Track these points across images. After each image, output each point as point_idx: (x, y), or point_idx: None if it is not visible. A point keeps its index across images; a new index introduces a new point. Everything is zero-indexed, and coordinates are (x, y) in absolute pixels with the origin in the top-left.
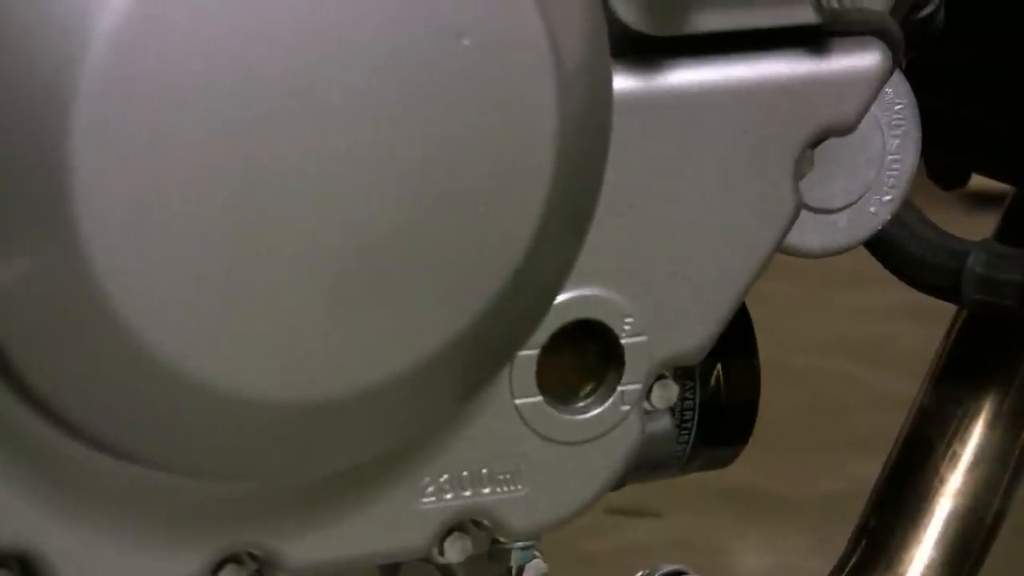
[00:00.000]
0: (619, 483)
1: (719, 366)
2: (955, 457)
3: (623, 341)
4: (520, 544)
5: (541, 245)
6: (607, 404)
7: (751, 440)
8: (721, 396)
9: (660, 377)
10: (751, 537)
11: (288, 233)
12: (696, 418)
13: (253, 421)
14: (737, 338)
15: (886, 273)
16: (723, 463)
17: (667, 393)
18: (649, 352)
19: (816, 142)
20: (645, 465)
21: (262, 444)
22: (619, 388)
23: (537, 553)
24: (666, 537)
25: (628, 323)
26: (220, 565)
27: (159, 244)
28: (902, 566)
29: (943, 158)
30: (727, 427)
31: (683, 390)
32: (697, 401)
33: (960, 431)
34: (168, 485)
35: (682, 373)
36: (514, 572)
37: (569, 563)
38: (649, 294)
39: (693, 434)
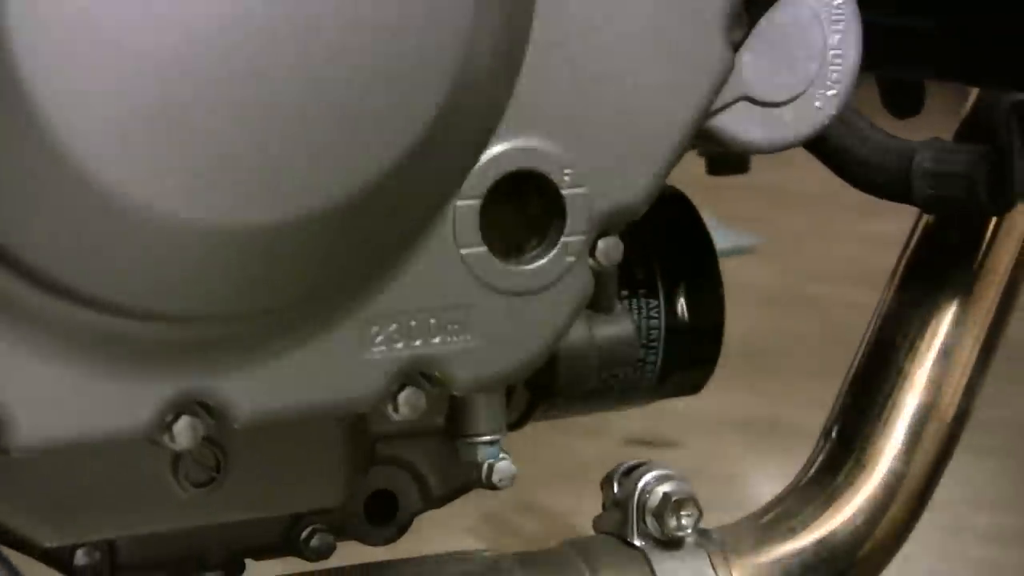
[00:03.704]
0: (591, 409)
1: (683, 286)
2: (916, 352)
3: (563, 192)
4: (486, 438)
5: (467, 77)
6: (551, 255)
7: (766, 370)
8: (686, 315)
9: (604, 234)
10: (766, 466)
11: (223, 61)
12: (662, 337)
13: (190, 247)
14: (699, 259)
15: (897, 203)
16: (694, 386)
17: (611, 250)
18: (590, 203)
19: None
20: (616, 387)
21: (200, 274)
22: (562, 239)
23: (506, 454)
24: (681, 467)
25: (567, 174)
26: (175, 419)
27: (96, 71)
28: (868, 459)
29: (895, 76)
30: (693, 346)
31: (648, 309)
32: (663, 320)
33: (922, 329)
34: (117, 331)
35: (646, 292)
36: (484, 473)
37: (585, 493)
38: (587, 146)
39: (661, 353)
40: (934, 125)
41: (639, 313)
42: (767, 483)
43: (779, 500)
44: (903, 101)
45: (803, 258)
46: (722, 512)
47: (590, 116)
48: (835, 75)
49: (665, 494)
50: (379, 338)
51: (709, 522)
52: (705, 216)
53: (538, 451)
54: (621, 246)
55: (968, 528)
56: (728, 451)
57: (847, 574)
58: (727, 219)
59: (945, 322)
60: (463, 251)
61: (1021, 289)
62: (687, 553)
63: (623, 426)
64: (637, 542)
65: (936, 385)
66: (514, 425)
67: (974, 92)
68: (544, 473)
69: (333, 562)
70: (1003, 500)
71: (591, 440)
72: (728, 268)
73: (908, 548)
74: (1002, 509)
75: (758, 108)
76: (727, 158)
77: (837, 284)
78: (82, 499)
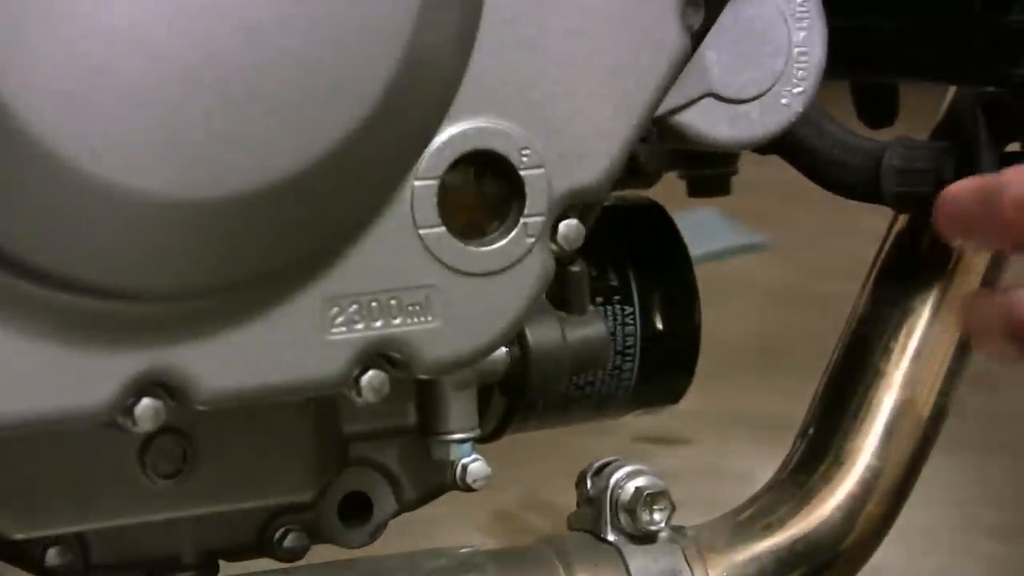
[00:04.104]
0: (569, 420)
1: (658, 293)
2: (891, 351)
3: (522, 172)
4: (458, 436)
5: (417, 52)
6: (512, 235)
7: (777, 367)
8: (661, 321)
9: (565, 217)
10: (777, 463)
11: (174, 34)
12: (638, 344)
13: (143, 221)
14: (675, 266)
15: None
16: (673, 396)
17: (572, 233)
18: (549, 183)
19: None
20: (592, 396)
21: (154, 248)
22: (522, 220)
23: (479, 456)
24: (694, 464)
25: (525, 154)
26: (136, 401)
27: (48, 45)
28: (846, 456)
29: (865, 80)
30: (670, 353)
31: (623, 316)
32: (638, 327)
33: (896, 329)
34: (74, 309)
35: (621, 300)
36: (457, 474)
37: None
38: (545, 126)
39: (637, 361)
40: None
41: (614, 320)
42: None
43: (756, 498)
44: (877, 112)
45: (814, 255)
46: None
47: (546, 96)
48: (801, 72)
49: (637, 488)
50: (339, 319)
51: None
52: (716, 215)
53: (548, 449)
54: (583, 230)
55: (978, 524)
56: (739, 448)
57: (825, 571)
58: (739, 217)
59: (920, 322)
60: (422, 231)
61: (998, 288)
62: (660, 548)
63: (633, 424)
64: (610, 537)
65: (912, 383)
66: (491, 435)
67: (948, 95)
68: (554, 471)
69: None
70: (1012, 497)
71: (601, 438)
72: (739, 266)
73: (919, 544)
74: (1011, 506)
75: (724, 105)
76: (708, 180)
77: (849, 281)
78: (50, 491)
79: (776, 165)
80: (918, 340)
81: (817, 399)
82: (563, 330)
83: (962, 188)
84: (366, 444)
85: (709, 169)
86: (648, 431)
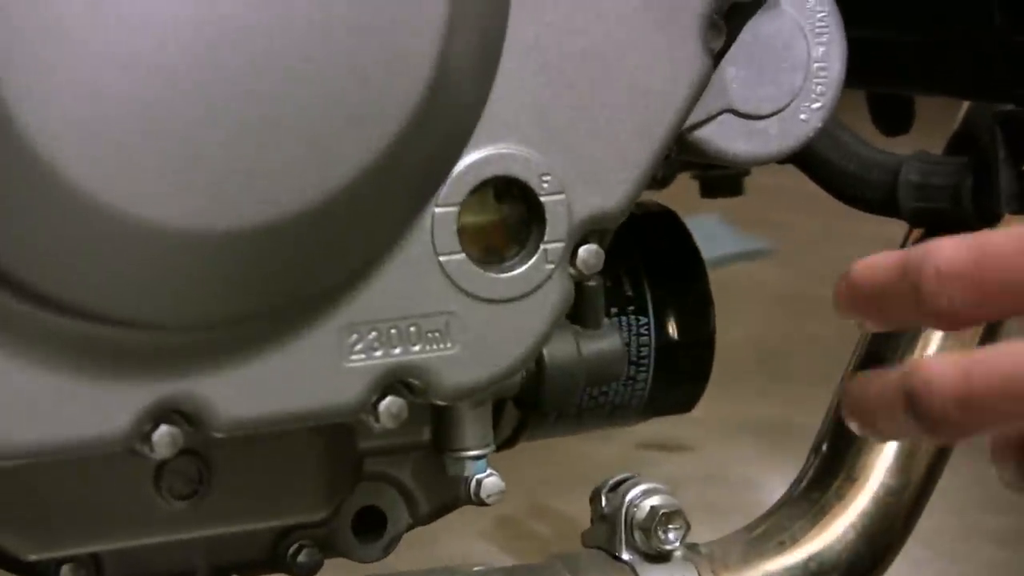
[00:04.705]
0: (582, 428)
1: (673, 303)
2: None
3: (542, 198)
4: (473, 453)
5: (441, 80)
6: (531, 262)
7: (780, 373)
8: (676, 332)
9: (584, 242)
10: (780, 469)
11: (193, 66)
12: (653, 354)
13: (164, 253)
14: (689, 276)
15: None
16: (686, 404)
17: (592, 258)
18: (569, 209)
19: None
20: (606, 405)
21: (175, 279)
22: (542, 246)
23: (494, 471)
24: (697, 471)
25: (546, 180)
26: (153, 428)
27: (68, 74)
28: (859, 473)
29: (883, 92)
30: (684, 363)
31: (638, 326)
32: (653, 337)
33: (911, 344)
34: (93, 338)
35: (636, 310)
36: (471, 489)
37: None
38: (565, 152)
39: (651, 371)
40: (931, 146)
41: (629, 331)
42: (782, 487)
43: (769, 514)
44: (893, 119)
45: (816, 261)
46: (738, 516)
47: (567, 122)
48: (820, 88)
49: (652, 507)
50: (358, 346)
51: (723, 526)
52: (718, 221)
53: (552, 455)
54: (602, 254)
55: (979, 530)
56: (742, 455)
57: None
58: (741, 223)
59: (935, 337)
60: (442, 258)
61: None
62: (675, 567)
63: (636, 431)
64: (625, 556)
65: None
66: (505, 444)
67: (964, 106)
68: (558, 477)
69: None
70: (1013, 503)
71: (605, 444)
72: (742, 271)
73: (920, 552)
74: (1012, 511)
75: (743, 121)
76: (720, 181)
77: None
78: (64, 512)
79: (778, 171)
80: (934, 355)
81: (830, 415)
82: (578, 344)
83: (878, 260)
84: (381, 459)
85: (721, 170)
86: (651, 438)
